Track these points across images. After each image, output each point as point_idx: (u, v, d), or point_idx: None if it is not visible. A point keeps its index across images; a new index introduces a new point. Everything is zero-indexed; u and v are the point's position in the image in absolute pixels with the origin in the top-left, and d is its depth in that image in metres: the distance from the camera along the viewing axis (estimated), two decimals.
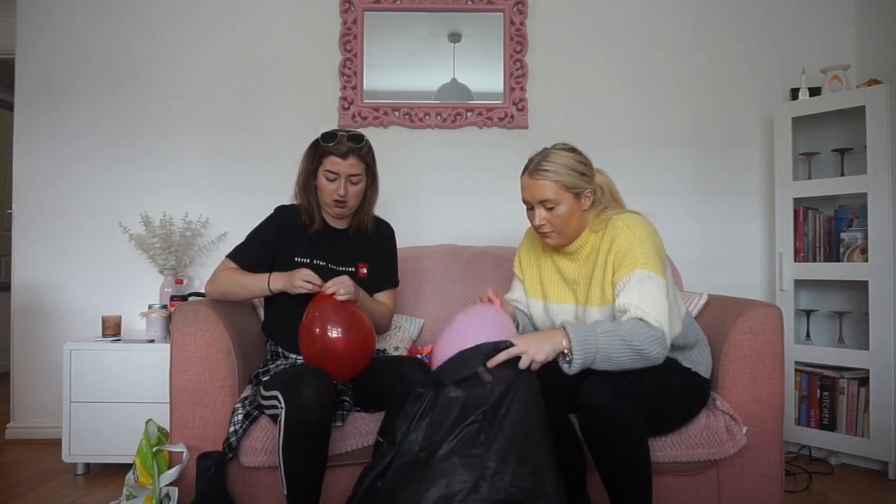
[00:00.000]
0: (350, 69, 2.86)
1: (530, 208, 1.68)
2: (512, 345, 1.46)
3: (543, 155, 1.64)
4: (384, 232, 2.03)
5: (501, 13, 2.87)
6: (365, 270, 1.93)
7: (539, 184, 1.61)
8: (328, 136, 1.82)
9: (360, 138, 1.83)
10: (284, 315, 1.84)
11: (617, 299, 1.55)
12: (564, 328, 1.48)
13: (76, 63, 2.87)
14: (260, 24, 2.90)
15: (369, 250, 1.96)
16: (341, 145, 1.79)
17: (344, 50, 2.87)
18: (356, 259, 1.93)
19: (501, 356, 1.44)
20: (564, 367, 1.48)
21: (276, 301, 1.86)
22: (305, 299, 1.74)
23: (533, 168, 1.63)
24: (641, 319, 1.49)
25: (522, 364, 1.44)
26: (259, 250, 1.88)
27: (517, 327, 1.76)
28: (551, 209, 1.61)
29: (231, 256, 1.88)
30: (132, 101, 2.88)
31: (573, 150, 1.66)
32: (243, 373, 1.84)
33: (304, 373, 1.60)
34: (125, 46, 2.88)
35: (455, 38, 2.89)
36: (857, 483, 2.35)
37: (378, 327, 1.93)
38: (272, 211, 1.97)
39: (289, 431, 1.53)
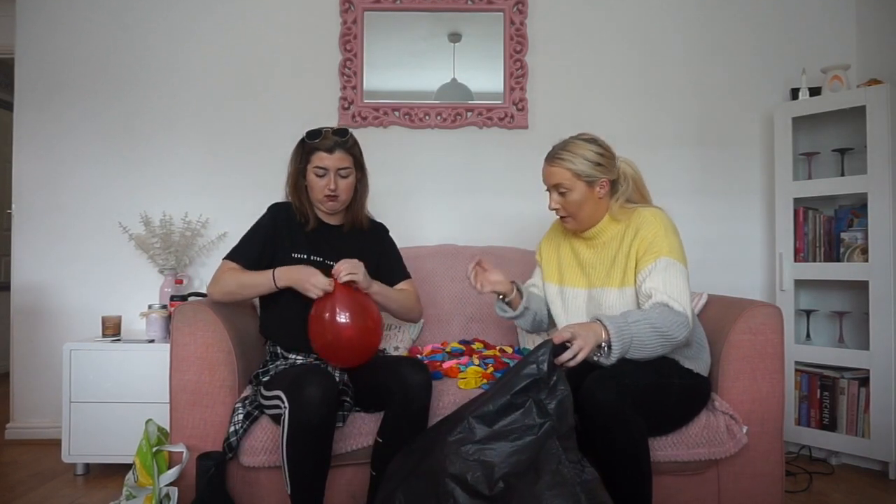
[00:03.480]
0: (350, 69, 2.86)
1: (549, 191, 1.76)
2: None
3: (564, 144, 1.73)
4: (380, 232, 2.04)
5: (501, 13, 2.87)
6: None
7: (553, 170, 1.70)
8: (313, 134, 1.83)
9: (344, 132, 1.86)
10: (283, 315, 1.84)
11: (642, 284, 1.61)
12: (600, 320, 1.52)
13: (76, 63, 2.87)
14: (260, 25, 2.89)
15: (364, 247, 1.95)
16: (327, 140, 1.81)
17: (344, 50, 2.87)
18: (352, 255, 1.92)
19: (564, 334, 1.47)
20: (602, 359, 1.51)
21: (273, 302, 1.86)
22: (303, 298, 1.74)
23: (551, 155, 1.72)
24: (666, 305, 1.55)
25: (565, 357, 1.44)
26: (259, 247, 1.88)
27: (530, 315, 1.85)
28: (563, 194, 1.70)
29: (230, 257, 1.87)
30: (132, 101, 2.87)
31: (592, 140, 1.73)
32: (243, 373, 1.84)
33: (307, 372, 1.60)
34: (125, 46, 2.88)
35: (455, 38, 2.89)
36: (857, 483, 2.35)
37: (410, 311, 1.97)
38: (266, 209, 1.97)
39: (292, 431, 1.53)
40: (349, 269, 1.73)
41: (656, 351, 1.54)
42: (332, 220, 1.95)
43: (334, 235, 1.94)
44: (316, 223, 1.91)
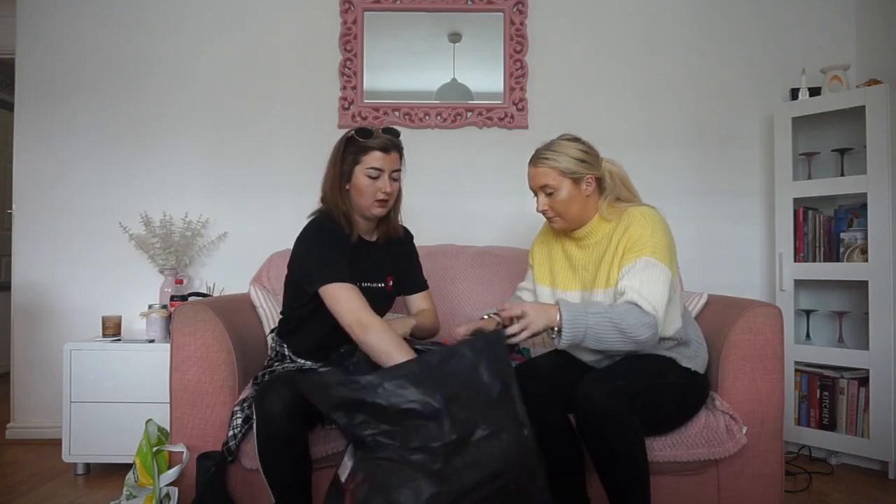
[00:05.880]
0: (350, 69, 2.87)
1: (535, 195, 1.75)
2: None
3: (547, 145, 1.73)
4: (407, 238, 1.92)
5: (501, 13, 2.87)
6: (391, 283, 1.83)
7: (539, 171, 1.70)
8: (365, 132, 1.69)
9: (397, 132, 1.74)
10: (314, 328, 1.73)
11: (619, 282, 1.60)
12: (558, 304, 1.54)
13: (76, 63, 2.87)
14: (260, 25, 2.90)
15: (396, 259, 1.85)
16: (381, 139, 1.68)
17: (344, 50, 2.87)
18: (385, 273, 1.81)
19: (514, 310, 1.52)
20: (555, 341, 1.54)
21: (309, 314, 1.73)
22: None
23: (535, 157, 1.72)
24: (636, 304, 1.53)
25: (514, 329, 1.50)
26: (347, 264, 1.66)
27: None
28: (551, 194, 1.69)
29: (340, 279, 1.61)
30: (132, 101, 2.88)
31: (575, 139, 1.73)
32: (243, 373, 1.84)
33: (274, 382, 1.56)
34: (125, 46, 2.88)
35: (455, 38, 2.89)
36: (857, 483, 2.35)
37: (433, 331, 1.88)
38: (311, 230, 1.70)
39: (260, 442, 1.52)
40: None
41: (618, 346, 1.53)
42: (368, 234, 1.79)
43: (369, 252, 1.78)
44: (356, 237, 1.73)
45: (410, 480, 1.30)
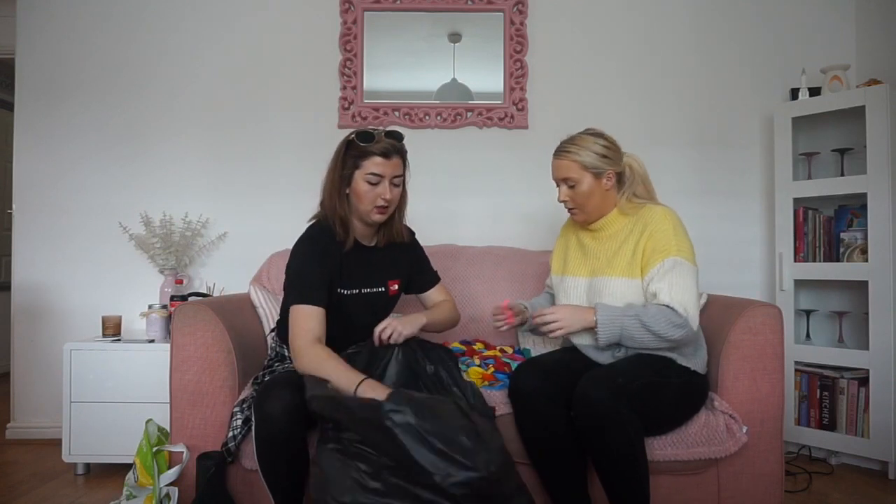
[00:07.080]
0: (350, 69, 2.87)
1: (558, 186, 1.81)
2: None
3: (571, 139, 1.79)
4: (410, 238, 1.89)
5: (501, 13, 2.87)
6: (396, 287, 1.80)
7: (562, 164, 1.76)
8: (365, 136, 1.63)
9: (400, 135, 1.68)
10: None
11: (650, 284, 1.66)
12: (596, 307, 1.65)
13: (76, 63, 2.87)
14: (260, 25, 2.90)
15: (400, 262, 1.82)
16: (383, 144, 1.62)
17: (344, 50, 2.87)
18: (385, 277, 1.78)
19: (547, 317, 1.65)
20: (597, 340, 1.66)
21: None
22: (343, 326, 1.66)
23: (558, 149, 1.79)
24: (669, 307, 1.60)
25: (550, 328, 1.65)
26: (327, 286, 1.65)
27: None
28: (572, 187, 1.76)
29: (308, 300, 1.60)
30: (132, 101, 2.88)
31: (598, 134, 1.78)
32: (243, 373, 1.84)
33: (274, 385, 1.54)
34: (125, 46, 2.88)
35: (455, 38, 2.89)
36: (857, 483, 2.35)
37: (453, 322, 1.88)
38: (302, 241, 1.70)
39: (259, 445, 1.50)
40: (394, 335, 1.64)
41: (650, 344, 1.63)
42: (366, 240, 1.76)
43: (367, 257, 1.76)
44: (352, 243, 1.70)
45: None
